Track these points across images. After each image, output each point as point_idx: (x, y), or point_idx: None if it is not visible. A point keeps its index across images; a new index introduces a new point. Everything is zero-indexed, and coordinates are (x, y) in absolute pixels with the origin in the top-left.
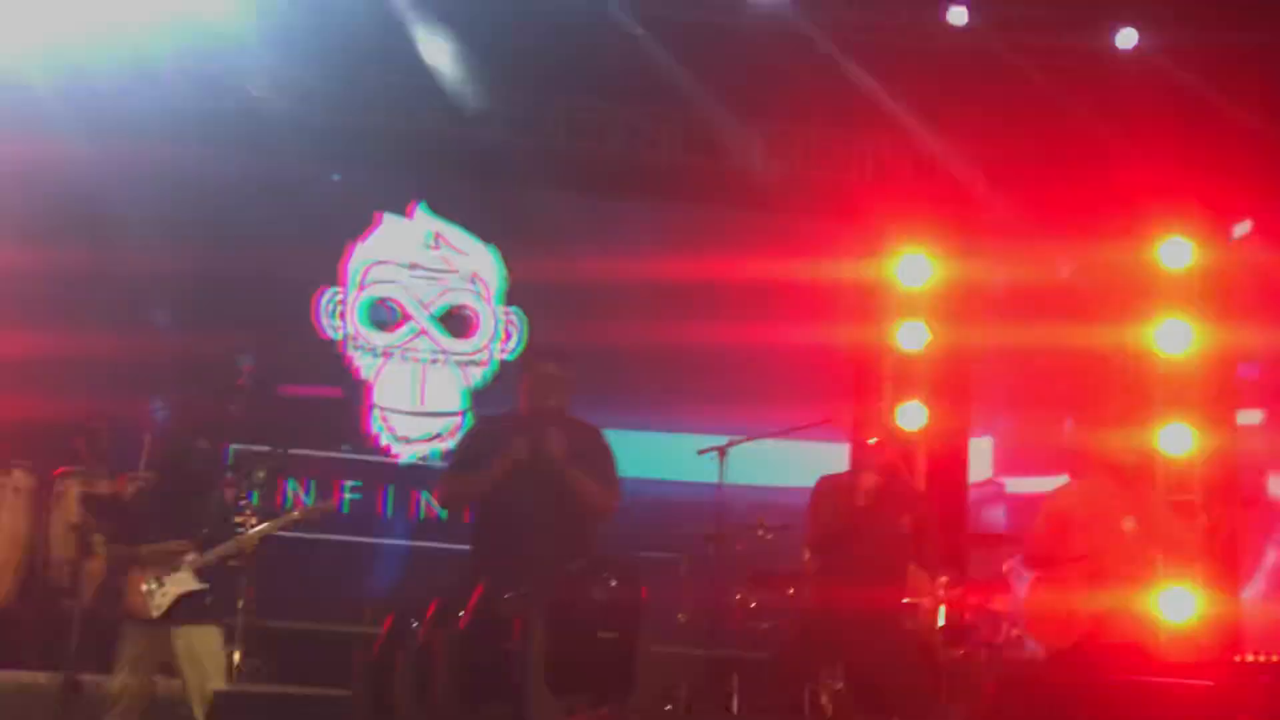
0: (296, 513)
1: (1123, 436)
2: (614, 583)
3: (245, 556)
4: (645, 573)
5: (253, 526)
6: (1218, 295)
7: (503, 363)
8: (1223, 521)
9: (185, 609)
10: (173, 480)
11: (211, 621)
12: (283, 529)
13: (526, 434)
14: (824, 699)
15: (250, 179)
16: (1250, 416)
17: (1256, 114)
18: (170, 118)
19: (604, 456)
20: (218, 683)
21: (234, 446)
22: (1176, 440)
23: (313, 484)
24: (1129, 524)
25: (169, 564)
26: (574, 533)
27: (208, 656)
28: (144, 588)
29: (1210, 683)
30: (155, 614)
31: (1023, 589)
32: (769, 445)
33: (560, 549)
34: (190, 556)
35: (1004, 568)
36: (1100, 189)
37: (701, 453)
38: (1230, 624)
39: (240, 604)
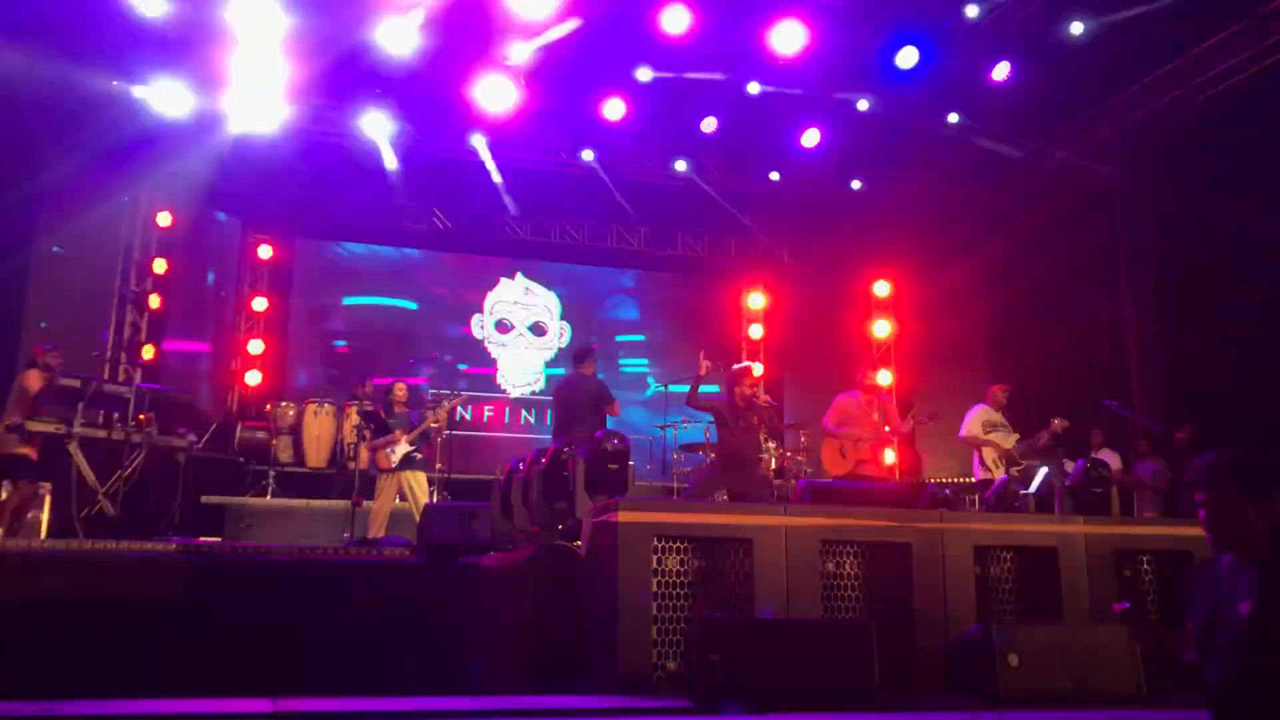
0: (444, 409)
1: (872, 376)
2: (616, 441)
3: (436, 433)
4: (633, 446)
5: (431, 422)
6: (901, 309)
7: (559, 349)
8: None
9: (407, 463)
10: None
11: (421, 469)
12: (439, 420)
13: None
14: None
15: (436, 262)
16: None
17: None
18: (398, 231)
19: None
20: (426, 500)
21: (432, 390)
22: (882, 378)
23: (469, 408)
24: (876, 416)
25: (396, 442)
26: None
27: (420, 489)
28: (386, 455)
29: (907, 490)
30: (393, 465)
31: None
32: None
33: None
34: (406, 437)
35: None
36: (843, 260)
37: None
38: (916, 465)
39: (438, 465)
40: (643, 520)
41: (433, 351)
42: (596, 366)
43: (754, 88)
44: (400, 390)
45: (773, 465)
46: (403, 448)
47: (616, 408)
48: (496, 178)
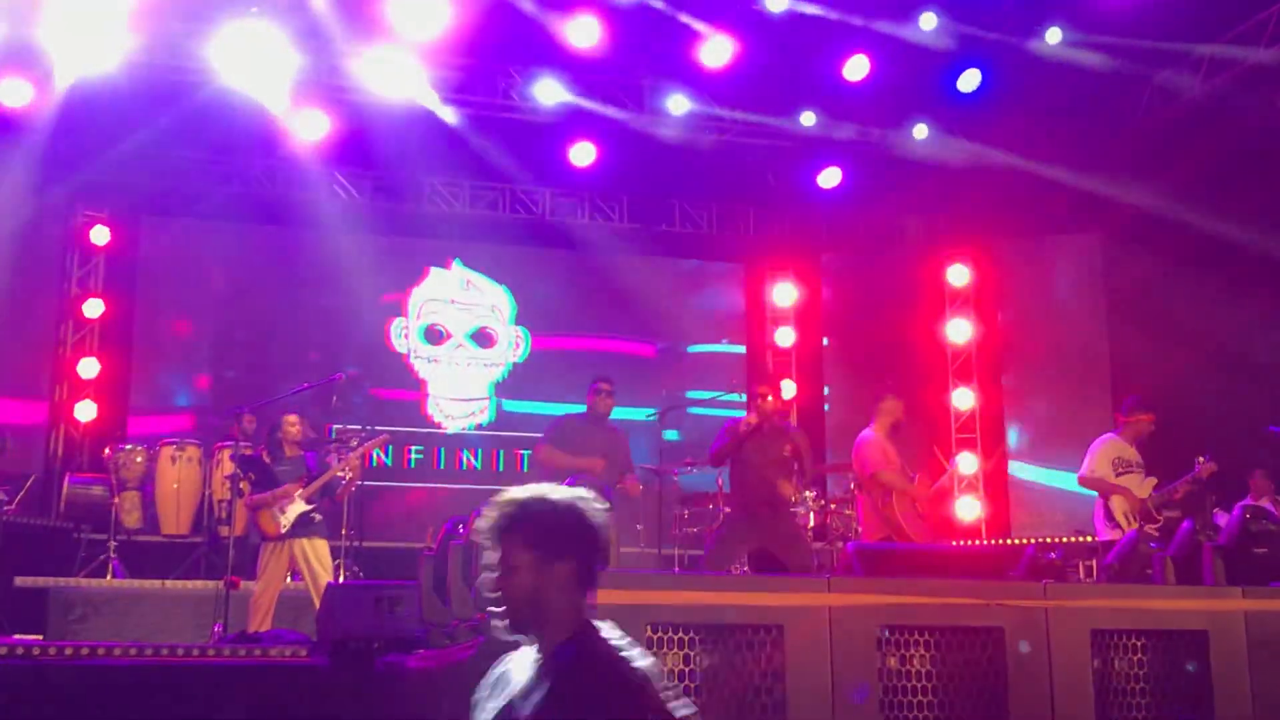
0: (355, 455)
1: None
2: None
3: (346, 485)
4: (615, 497)
5: (338, 470)
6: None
7: (514, 364)
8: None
9: (301, 526)
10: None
11: (322, 536)
12: (349, 468)
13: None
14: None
15: (338, 249)
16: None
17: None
18: (285, 206)
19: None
20: (329, 578)
21: (336, 425)
22: (962, 399)
23: (390, 449)
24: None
25: (287, 499)
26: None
27: (321, 563)
28: (273, 516)
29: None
30: (283, 530)
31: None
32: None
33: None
34: (300, 490)
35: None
36: (905, 237)
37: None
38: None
39: (344, 530)
40: (630, 603)
41: (335, 370)
42: (596, 401)
43: (777, 3)
44: (292, 425)
45: (810, 523)
46: (296, 507)
47: (539, 447)
48: (444, 115)
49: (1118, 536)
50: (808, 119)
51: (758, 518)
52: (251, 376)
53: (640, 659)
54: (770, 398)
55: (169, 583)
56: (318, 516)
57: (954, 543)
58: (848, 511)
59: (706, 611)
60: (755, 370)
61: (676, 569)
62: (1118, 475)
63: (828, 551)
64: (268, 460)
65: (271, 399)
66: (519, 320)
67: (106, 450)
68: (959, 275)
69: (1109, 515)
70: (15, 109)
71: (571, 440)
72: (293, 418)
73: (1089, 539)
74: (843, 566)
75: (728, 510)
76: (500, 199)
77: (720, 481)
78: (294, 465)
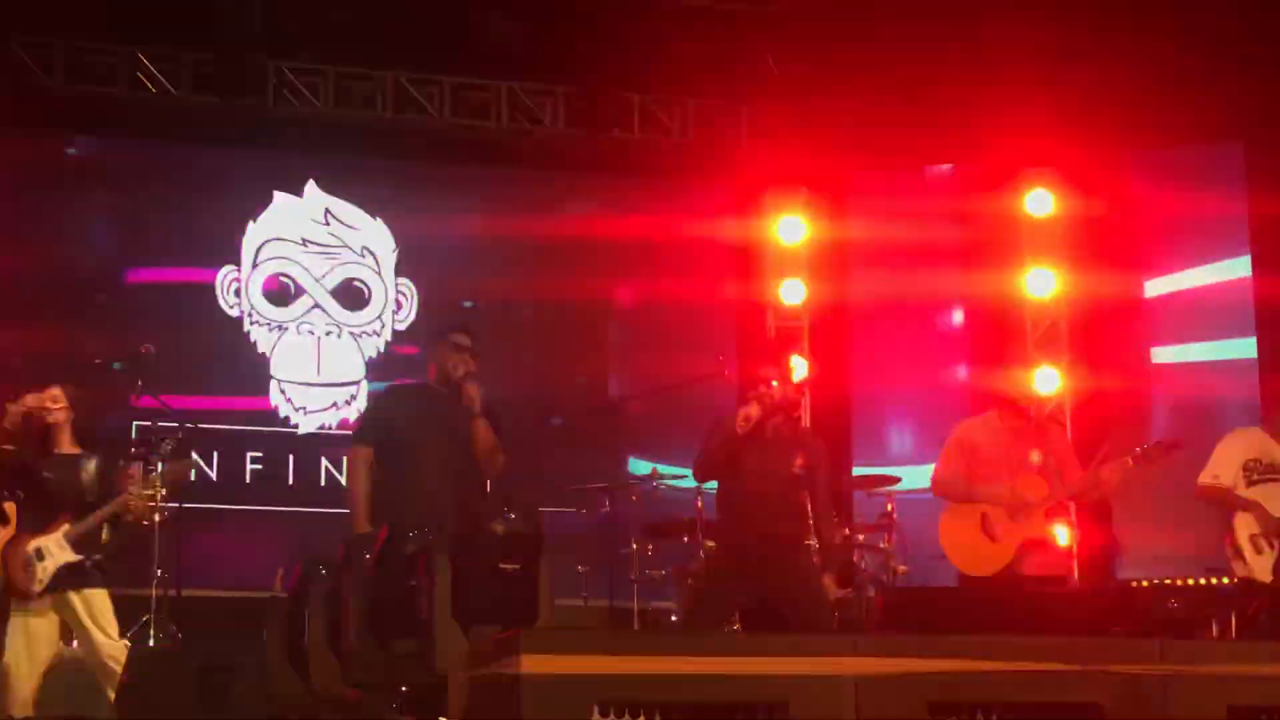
0: (151, 483)
1: (1018, 377)
2: (513, 516)
3: (137, 519)
4: (547, 526)
5: (133, 493)
6: (1080, 242)
7: (396, 332)
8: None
9: (69, 577)
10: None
11: (99, 585)
12: (140, 503)
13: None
14: None
15: (137, 166)
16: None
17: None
18: (55, 102)
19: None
20: (115, 642)
21: (137, 422)
22: (1046, 381)
23: (216, 455)
24: (1035, 457)
25: (46, 539)
26: (471, 476)
27: (104, 620)
28: (25, 565)
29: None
30: (37, 588)
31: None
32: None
33: (460, 493)
34: (65, 528)
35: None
36: (968, 145)
37: (594, 408)
38: (1107, 551)
39: (159, 573)
40: (570, 673)
41: (137, 343)
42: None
43: None
44: (55, 403)
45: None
46: (61, 555)
47: (500, 457)
48: None
49: (1247, 572)
50: None
51: (752, 560)
52: (9, 350)
53: None
54: (776, 383)
55: None
56: (91, 563)
57: (1033, 583)
58: (883, 545)
59: (679, 684)
60: (751, 339)
61: (636, 626)
62: (1251, 484)
63: (855, 601)
64: (28, 466)
65: (42, 385)
66: (403, 270)
67: None
68: (1040, 202)
69: (1234, 542)
70: None
71: (399, 420)
72: (54, 392)
73: (1223, 579)
74: (877, 621)
75: (710, 547)
76: (378, 92)
77: (701, 503)
78: (66, 471)
